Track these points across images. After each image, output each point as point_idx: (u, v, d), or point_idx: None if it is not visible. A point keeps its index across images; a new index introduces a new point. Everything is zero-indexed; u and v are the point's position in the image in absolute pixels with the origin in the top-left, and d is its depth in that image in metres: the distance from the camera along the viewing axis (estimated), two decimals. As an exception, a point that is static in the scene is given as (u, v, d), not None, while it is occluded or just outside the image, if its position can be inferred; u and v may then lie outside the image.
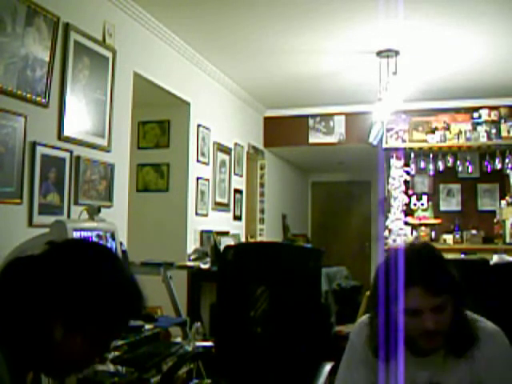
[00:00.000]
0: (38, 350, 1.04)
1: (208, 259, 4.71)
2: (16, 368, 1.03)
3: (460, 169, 6.20)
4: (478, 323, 1.48)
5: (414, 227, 6.16)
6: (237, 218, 6.11)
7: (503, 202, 5.88)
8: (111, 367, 2.63)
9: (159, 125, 5.14)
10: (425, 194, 6.42)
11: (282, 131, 6.96)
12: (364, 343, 1.54)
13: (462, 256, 5.08)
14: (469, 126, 5.97)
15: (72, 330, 1.05)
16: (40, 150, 2.93)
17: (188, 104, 4.90)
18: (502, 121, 5.89)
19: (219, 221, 5.54)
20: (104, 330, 1.09)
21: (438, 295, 1.38)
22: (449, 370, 1.47)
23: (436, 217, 6.30)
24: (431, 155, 6.16)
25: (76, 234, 2.41)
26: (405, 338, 1.43)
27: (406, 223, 6.09)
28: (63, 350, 1.05)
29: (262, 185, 7.13)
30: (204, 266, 4.52)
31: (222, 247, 4.11)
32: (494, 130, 5.88)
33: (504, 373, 1.42)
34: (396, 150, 6.09)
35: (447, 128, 6.02)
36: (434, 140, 6.00)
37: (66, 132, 3.15)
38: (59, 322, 1.04)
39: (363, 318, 1.63)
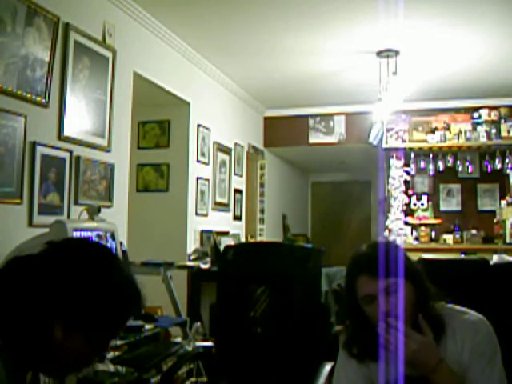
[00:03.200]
0: (37, 349, 1.04)
1: (208, 259, 4.71)
2: (15, 368, 1.03)
3: (460, 169, 6.21)
4: (461, 314, 1.52)
5: (414, 227, 6.15)
6: (237, 218, 6.11)
7: (503, 202, 5.88)
8: (111, 367, 2.62)
9: (159, 125, 5.14)
10: (425, 194, 6.42)
11: (282, 131, 6.96)
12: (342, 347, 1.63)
13: (462, 256, 5.07)
14: (469, 126, 5.98)
15: (71, 330, 1.05)
16: (40, 150, 2.93)
17: (188, 104, 4.89)
18: (502, 121, 5.90)
19: (219, 221, 5.54)
20: (103, 329, 1.09)
21: (383, 278, 1.48)
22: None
23: (436, 217, 6.30)
24: (431, 155, 6.16)
25: (76, 234, 2.41)
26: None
27: (406, 223, 6.09)
28: (62, 350, 1.05)
29: (262, 185, 7.12)
30: (204, 266, 4.52)
31: (222, 247, 4.11)
32: (494, 130, 5.88)
33: (483, 358, 1.45)
34: (396, 150, 6.09)
35: (447, 128, 6.02)
36: (434, 140, 6.00)
37: (66, 132, 3.15)
38: (58, 321, 1.04)
39: None
